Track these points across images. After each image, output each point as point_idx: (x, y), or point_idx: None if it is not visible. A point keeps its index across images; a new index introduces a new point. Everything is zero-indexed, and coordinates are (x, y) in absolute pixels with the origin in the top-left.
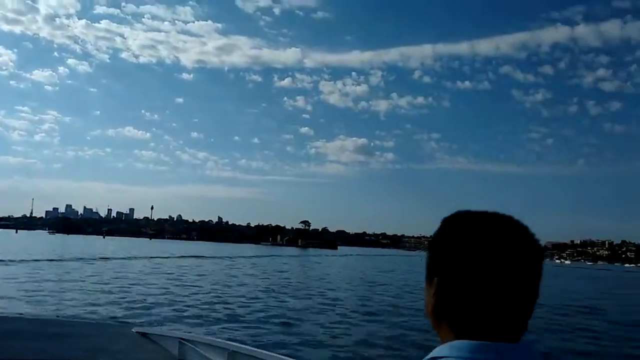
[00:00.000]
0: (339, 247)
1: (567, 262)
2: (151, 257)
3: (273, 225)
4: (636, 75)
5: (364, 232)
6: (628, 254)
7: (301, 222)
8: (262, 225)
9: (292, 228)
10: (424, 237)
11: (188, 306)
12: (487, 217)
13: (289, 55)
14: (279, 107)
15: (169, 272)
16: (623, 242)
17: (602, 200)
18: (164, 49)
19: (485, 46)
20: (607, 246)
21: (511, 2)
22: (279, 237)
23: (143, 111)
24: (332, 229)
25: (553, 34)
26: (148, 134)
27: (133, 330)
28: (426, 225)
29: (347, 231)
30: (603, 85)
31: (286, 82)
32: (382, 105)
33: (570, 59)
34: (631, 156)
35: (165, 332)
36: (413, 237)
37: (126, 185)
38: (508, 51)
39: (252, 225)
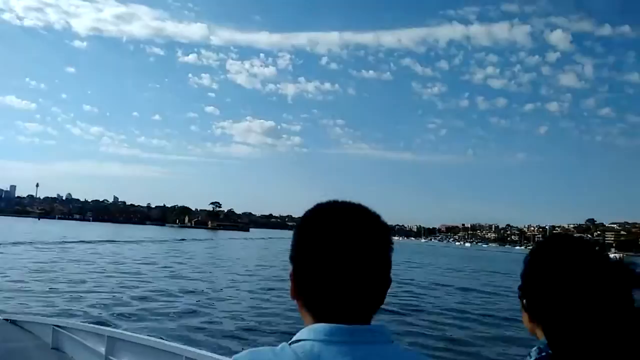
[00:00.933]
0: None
1: (467, 244)
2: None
3: (180, 206)
4: (519, 75)
5: (271, 214)
6: (512, 236)
7: (211, 204)
8: (166, 206)
9: (197, 209)
10: None
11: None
12: (334, 206)
13: (194, 30)
14: (182, 83)
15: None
16: (507, 225)
17: (488, 187)
18: (53, 13)
19: (389, 38)
20: (493, 229)
21: None
22: (186, 218)
23: (28, 79)
24: (239, 211)
25: (449, 31)
26: (33, 105)
27: (1, 317)
28: None
29: (254, 213)
30: (491, 82)
31: (191, 58)
32: (290, 89)
33: (464, 56)
34: (513, 149)
35: (37, 319)
36: None
37: (6, 160)
38: (409, 45)
39: (153, 205)
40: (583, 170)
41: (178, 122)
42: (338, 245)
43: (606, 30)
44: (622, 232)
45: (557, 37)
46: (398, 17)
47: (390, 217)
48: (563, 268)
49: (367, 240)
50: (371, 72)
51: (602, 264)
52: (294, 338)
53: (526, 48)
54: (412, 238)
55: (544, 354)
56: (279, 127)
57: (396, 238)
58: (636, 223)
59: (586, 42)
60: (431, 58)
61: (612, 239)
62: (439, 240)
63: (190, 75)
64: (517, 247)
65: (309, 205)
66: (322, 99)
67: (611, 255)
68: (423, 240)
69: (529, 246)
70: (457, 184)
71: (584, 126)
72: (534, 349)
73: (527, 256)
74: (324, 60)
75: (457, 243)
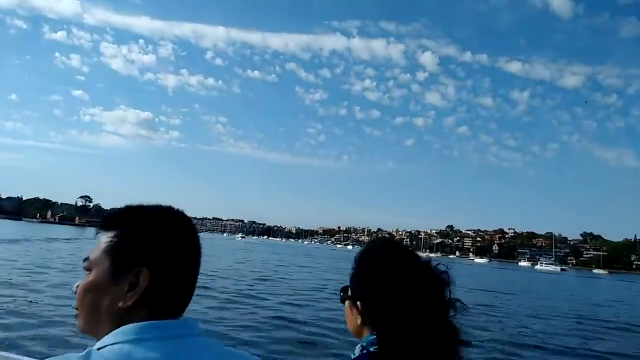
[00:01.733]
0: None
1: (349, 247)
2: None
3: (40, 198)
4: (392, 90)
5: None
6: None
7: (80, 197)
8: (23, 198)
9: (61, 203)
10: (206, 218)
11: None
12: (165, 211)
13: (65, 5)
14: (47, 62)
15: None
16: (379, 229)
17: (362, 192)
18: None
19: (276, 41)
20: (366, 233)
21: (300, 3)
22: (49, 213)
23: None
24: (109, 206)
25: (333, 42)
26: None
27: None
28: (208, 206)
29: None
30: (368, 94)
31: (60, 35)
32: (170, 80)
33: (345, 67)
34: (384, 157)
35: None
36: (195, 218)
37: None
38: (295, 50)
39: (5, 196)
40: (444, 180)
41: (39, 104)
42: (164, 244)
43: (467, 56)
44: (478, 238)
45: (427, 59)
46: (286, 21)
47: (268, 218)
48: (392, 270)
49: (197, 242)
50: (257, 72)
51: (420, 266)
52: (98, 344)
53: (400, 65)
54: (292, 240)
55: (365, 351)
56: (156, 119)
57: (277, 239)
58: (487, 230)
59: (450, 65)
60: (315, 65)
61: (470, 244)
62: (319, 242)
63: (57, 54)
64: None
65: (186, 202)
66: (205, 94)
67: (423, 255)
68: (306, 242)
69: None
70: (334, 188)
71: (444, 141)
72: (357, 347)
73: (356, 260)
74: (209, 54)
75: (338, 245)
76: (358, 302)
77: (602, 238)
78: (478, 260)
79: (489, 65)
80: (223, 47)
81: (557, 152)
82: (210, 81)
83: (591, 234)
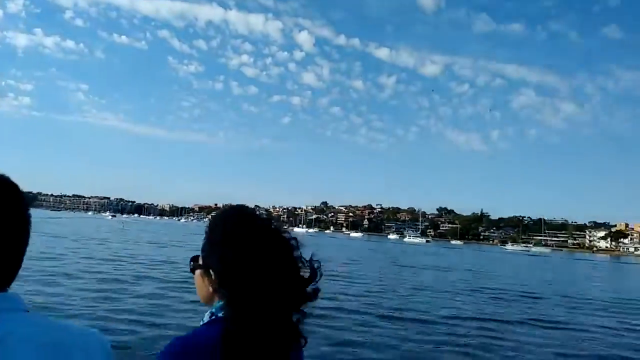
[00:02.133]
0: None
1: None
2: None
3: None
4: (270, 68)
5: None
6: None
7: None
8: None
9: None
10: (64, 196)
11: None
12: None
13: None
14: None
15: None
16: (256, 206)
17: (237, 168)
18: None
19: (146, 6)
20: None
21: None
22: None
23: None
24: None
25: (209, 12)
26: None
27: None
28: (67, 182)
29: None
30: (245, 70)
31: None
32: (21, 40)
33: (222, 40)
34: (260, 134)
35: None
36: (52, 195)
37: None
38: (167, 17)
39: None
40: (318, 158)
41: None
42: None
43: (342, 40)
44: (350, 214)
45: (304, 38)
46: None
47: (138, 195)
48: (243, 236)
49: (24, 215)
50: (124, 37)
51: (269, 232)
52: None
53: (277, 43)
54: (166, 217)
55: (214, 317)
56: (2, 83)
57: (151, 217)
58: (358, 206)
59: (326, 47)
60: (190, 35)
61: (343, 219)
62: (196, 220)
63: None
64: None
65: (39, 178)
66: (62, 57)
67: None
68: (183, 220)
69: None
70: (209, 164)
71: (319, 121)
72: (206, 313)
73: (207, 228)
74: (69, 14)
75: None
76: (210, 270)
77: (455, 212)
78: (354, 234)
79: (360, 50)
80: (85, 6)
81: (417, 135)
82: (70, 44)
83: (445, 208)
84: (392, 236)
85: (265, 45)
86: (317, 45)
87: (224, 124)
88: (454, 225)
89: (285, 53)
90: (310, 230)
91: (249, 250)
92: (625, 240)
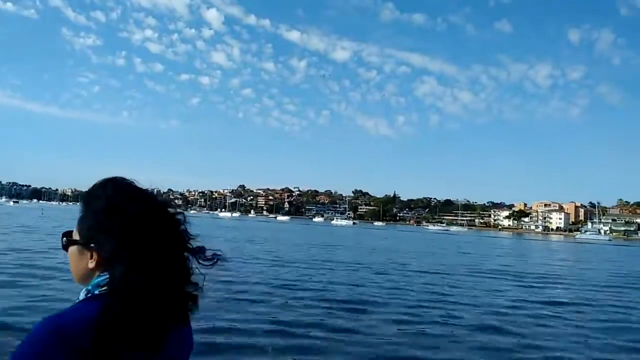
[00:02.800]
0: None
1: None
2: None
3: None
4: (177, 45)
5: None
6: (176, 201)
7: None
8: None
9: None
10: None
11: None
12: None
13: None
14: None
15: None
16: (169, 190)
17: (146, 151)
18: None
19: None
20: (155, 194)
21: None
22: None
23: None
24: None
25: None
26: None
27: None
28: None
29: None
30: (150, 46)
31: None
32: None
33: (123, 12)
34: (168, 115)
35: None
36: None
37: None
38: None
39: None
40: (232, 140)
41: None
42: None
43: (252, 19)
44: (270, 197)
45: (212, 16)
46: None
47: (33, 179)
48: (131, 207)
49: None
50: (9, 4)
51: (154, 205)
52: None
53: (184, 19)
54: (70, 203)
55: (89, 294)
56: None
57: (54, 203)
58: (276, 189)
59: (236, 26)
60: (86, 5)
61: (263, 202)
62: None
63: None
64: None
65: None
66: None
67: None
68: None
69: (193, 209)
70: (113, 146)
71: (230, 102)
72: (82, 291)
73: (85, 202)
74: None
75: None
76: (92, 244)
77: (370, 194)
78: (280, 217)
79: (271, 31)
80: None
81: (328, 119)
82: None
83: (360, 191)
84: (317, 219)
85: (171, 20)
86: (226, 24)
87: (127, 103)
88: (372, 207)
89: (193, 30)
90: (235, 214)
91: (136, 221)
92: (526, 219)
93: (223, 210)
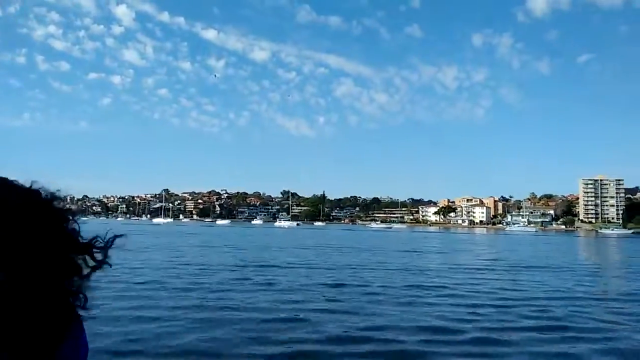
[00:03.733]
0: None
1: None
2: None
3: None
4: (84, 42)
5: None
6: (94, 207)
7: None
8: None
9: None
10: None
11: None
12: None
13: None
14: None
15: None
16: (84, 196)
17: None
18: None
19: None
20: (69, 200)
21: None
22: None
23: None
24: None
25: None
26: None
27: None
28: None
29: None
30: (54, 43)
31: None
32: None
33: (22, 6)
34: (76, 117)
35: None
36: None
37: None
38: None
39: None
40: (150, 143)
41: None
42: None
43: (165, 17)
44: (200, 201)
45: (122, 12)
46: None
47: None
48: (8, 207)
49: None
50: None
51: (38, 203)
52: None
53: (92, 15)
54: None
55: None
56: None
57: None
58: (202, 192)
59: (148, 24)
60: None
61: (192, 206)
62: None
63: None
64: (102, 218)
65: None
66: None
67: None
68: None
69: (113, 216)
70: (15, 151)
71: (145, 103)
72: None
73: None
74: None
75: None
76: None
77: (299, 195)
78: (220, 222)
79: (186, 29)
80: None
81: (248, 119)
82: None
83: (289, 191)
84: (256, 221)
85: (77, 16)
86: (138, 21)
87: (29, 104)
88: (306, 208)
89: (102, 26)
90: (167, 220)
91: (9, 218)
92: (452, 214)
93: (146, 215)
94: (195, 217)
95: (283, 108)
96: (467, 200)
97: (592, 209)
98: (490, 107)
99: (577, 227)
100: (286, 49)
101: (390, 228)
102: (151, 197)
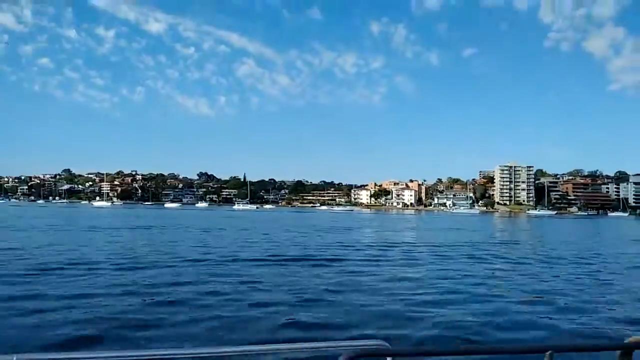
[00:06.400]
0: None
1: None
2: None
3: None
4: None
5: None
6: None
7: None
8: None
9: None
10: None
11: None
12: None
13: None
14: None
15: None
16: None
17: None
18: None
19: None
20: None
21: None
22: None
23: None
24: None
25: None
26: None
27: None
28: None
29: None
30: None
31: None
32: None
33: None
34: None
35: None
36: None
37: None
38: None
39: None
40: (33, 119)
41: None
42: None
43: None
44: (116, 182)
45: None
46: None
47: None
48: None
49: None
50: None
51: None
52: None
53: None
54: None
55: None
56: None
57: None
58: (109, 173)
59: None
60: None
61: (108, 188)
62: None
63: None
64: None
65: None
66: None
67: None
68: None
69: (14, 198)
70: None
71: (23, 72)
72: None
73: None
74: None
75: None
76: None
77: (216, 177)
78: (169, 204)
79: None
80: None
81: (143, 96)
82: None
83: (206, 173)
84: (201, 204)
85: None
86: None
87: None
88: (243, 191)
89: None
90: (106, 202)
91: None
92: (382, 199)
93: (56, 198)
94: (115, 200)
95: (182, 86)
96: (395, 184)
97: (507, 192)
98: (386, 94)
99: (496, 209)
100: (185, 22)
101: (352, 211)
102: (50, 177)
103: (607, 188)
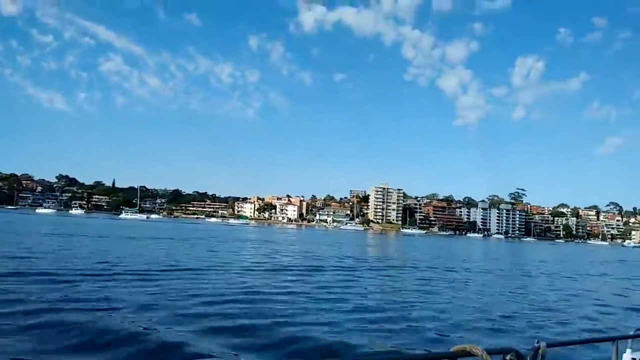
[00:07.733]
0: None
1: None
2: None
3: None
4: None
5: None
6: None
7: None
8: None
9: None
10: None
11: None
12: None
13: None
14: None
15: None
16: None
17: None
18: None
19: None
20: None
21: None
22: None
23: None
24: None
25: None
26: None
27: None
28: None
29: None
30: None
31: None
32: None
33: None
34: None
35: None
36: None
37: None
38: None
39: None
40: None
41: None
42: None
43: None
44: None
45: None
46: None
47: None
48: None
49: None
50: None
51: None
52: None
53: None
54: None
55: None
56: None
57: None
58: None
59: None
60: None
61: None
62: None
63: None
64: None
65: None
66: None
67: None
68: None
69: None
70: None
71: None
72: None
73: None
74: None
75: None
76: None
77: (79, 182)
78: (42, 210)
79: None
80: None
81: None
82: None
83: (67, 176)
84: (75, 211)
85: None
86: None
87: None
88: (116, 198)
89: None
90: None
91: None
92: (266, 213)
93: None
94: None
95: (35, 75)
96: (278, 199)
97: (380, 212)
98: (261, 109)
99: (371, 227)
100: (44, 7)
101: (229, 222)
102: None
103: (460, 212)
